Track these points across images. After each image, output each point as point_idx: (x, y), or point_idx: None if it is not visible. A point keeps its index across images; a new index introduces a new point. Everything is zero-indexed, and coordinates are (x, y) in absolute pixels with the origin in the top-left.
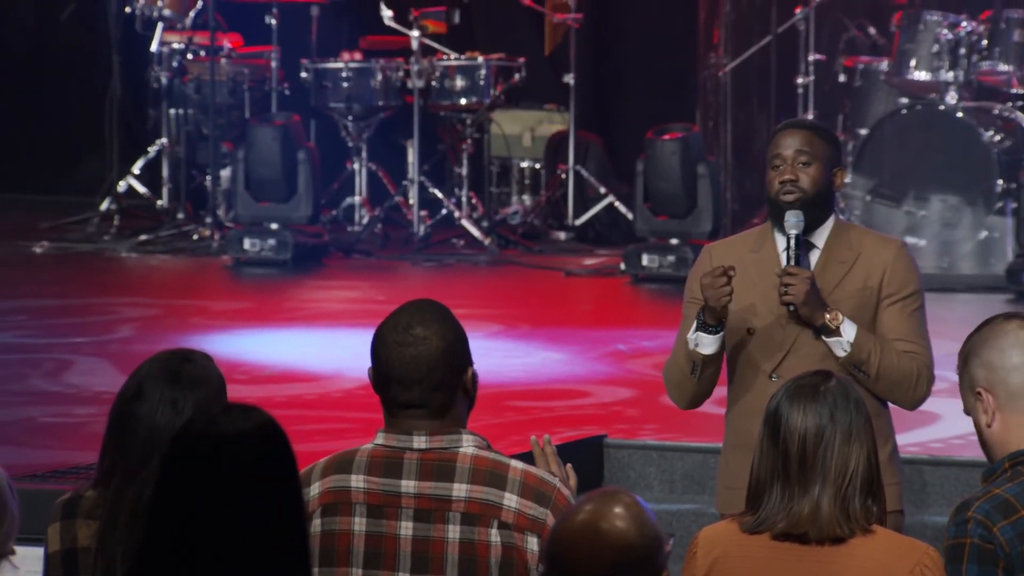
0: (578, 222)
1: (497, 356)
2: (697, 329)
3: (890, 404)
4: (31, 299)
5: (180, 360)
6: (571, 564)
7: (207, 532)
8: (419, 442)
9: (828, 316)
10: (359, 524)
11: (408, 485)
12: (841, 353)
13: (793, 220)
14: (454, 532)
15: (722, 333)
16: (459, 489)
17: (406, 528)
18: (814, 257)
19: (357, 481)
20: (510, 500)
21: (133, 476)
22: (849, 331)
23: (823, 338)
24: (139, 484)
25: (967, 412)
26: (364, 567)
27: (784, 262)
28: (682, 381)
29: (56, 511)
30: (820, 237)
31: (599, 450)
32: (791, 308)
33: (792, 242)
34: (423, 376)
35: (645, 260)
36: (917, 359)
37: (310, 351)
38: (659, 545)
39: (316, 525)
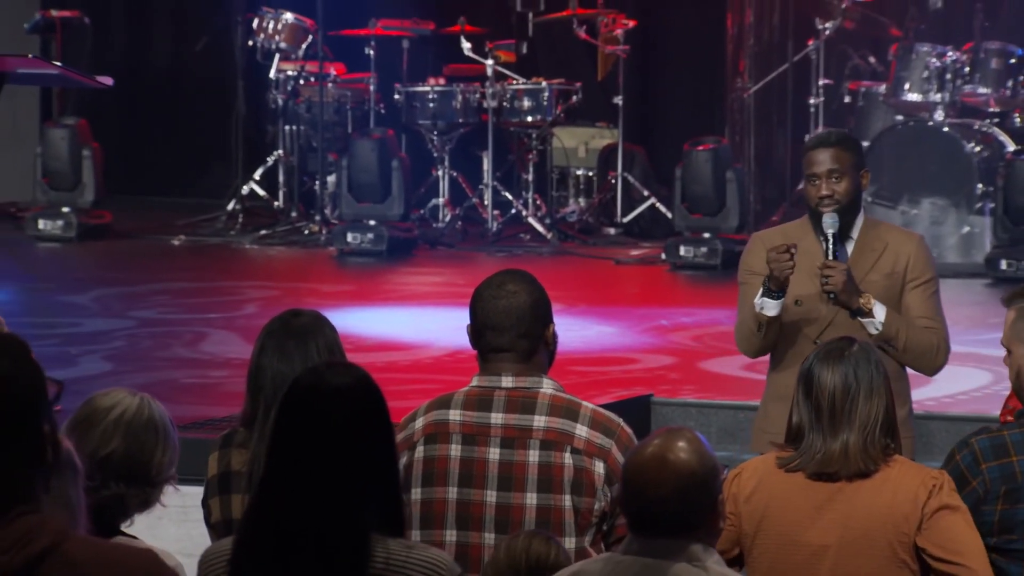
0: (625, 220)
1: (559, 330)
2: (763, 295)
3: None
4: (171, 282)
5: (290, 316)
6: (642, 489)
7: (314, 468)
8: (507, 382)
9: (862, 301)
10: (455, 450)
11: (496, 417)
12: (874, 331)
13: (830, 221)
14: (534, 456)
15: (783, 299)
16: (539, 420)
17: (494, 453)
18: (850, 247)
19: (454, 415)
20: (581, 430)
21: (268, 414)
22: (880, 312)
23: (858, 319)
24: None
25: None
26: (459, 486)
27: (824, 255)
28: (751, 338)
29: (215, 443)
30: (854, 230)
31: (646, 407)
32: (831, 296)
33: (830, 239)
34: (513, 323)
35: (682, 251)
36: (937, 333)
37: (403, 325)
38: (716, 473)
39: (420, 451)
